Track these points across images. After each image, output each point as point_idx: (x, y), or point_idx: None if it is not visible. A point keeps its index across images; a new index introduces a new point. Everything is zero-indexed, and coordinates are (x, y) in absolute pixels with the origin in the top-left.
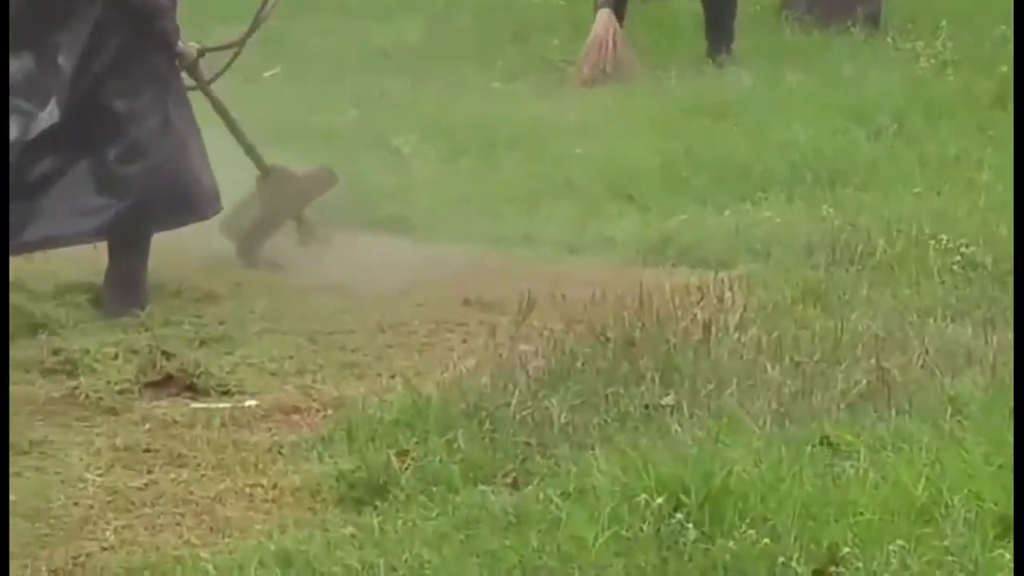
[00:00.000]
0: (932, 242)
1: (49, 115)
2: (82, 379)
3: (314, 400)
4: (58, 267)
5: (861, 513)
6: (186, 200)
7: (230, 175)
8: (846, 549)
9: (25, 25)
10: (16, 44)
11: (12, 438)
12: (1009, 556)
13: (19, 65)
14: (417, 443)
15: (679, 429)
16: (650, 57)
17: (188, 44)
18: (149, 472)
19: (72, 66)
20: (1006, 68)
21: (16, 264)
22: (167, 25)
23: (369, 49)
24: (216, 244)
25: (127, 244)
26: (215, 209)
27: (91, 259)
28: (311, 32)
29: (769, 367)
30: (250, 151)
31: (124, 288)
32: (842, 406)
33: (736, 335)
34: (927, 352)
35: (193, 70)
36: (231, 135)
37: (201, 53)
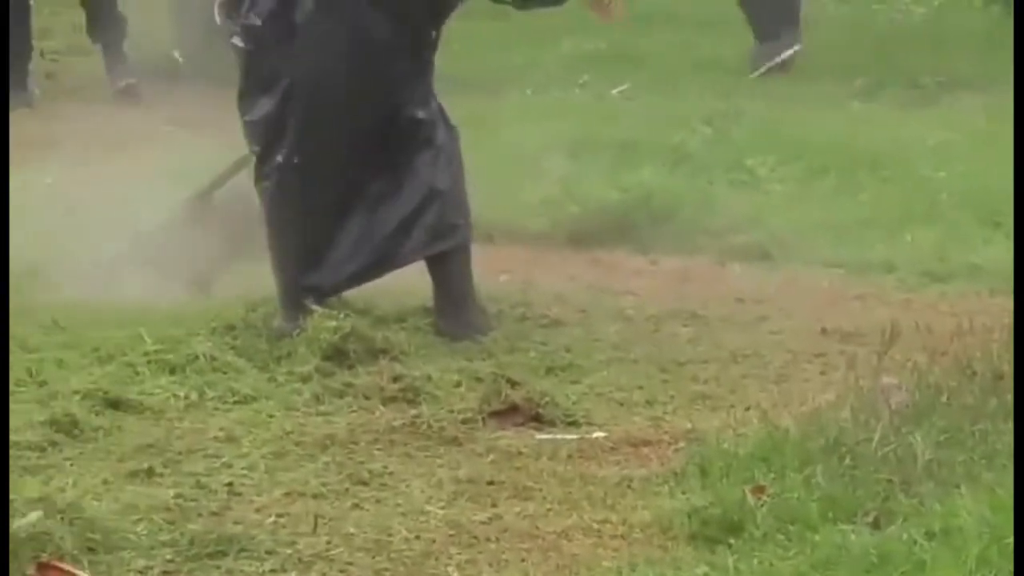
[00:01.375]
0: None
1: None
2: (424, 407)
3: (665, 432)
4: (398, 293)
5: None
6: (461, 222)
7: None
8: None
9: None
10: None
11: (351, 468)
12: None
13: None
14: (774, 479)
15: None
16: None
17: None
18: (493, 505)
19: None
20: None
21: (355, 290)
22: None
23: (722, 65)
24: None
25: (444, 268)
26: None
27: (422, 281)
28: (664, 46)
29: None
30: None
31: (453, 313)
32: None
33: None
34: None
35: None
36: None
37: None
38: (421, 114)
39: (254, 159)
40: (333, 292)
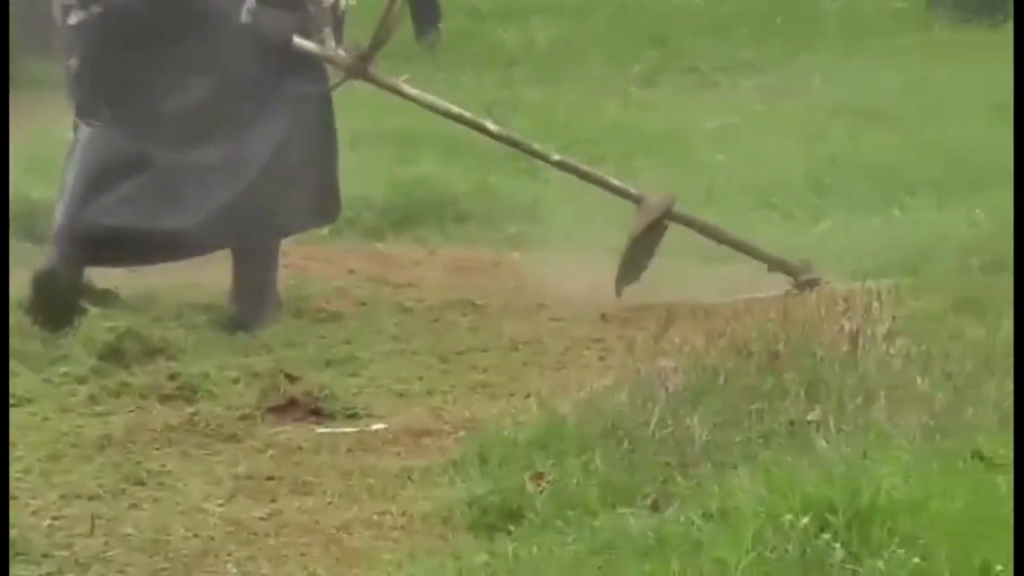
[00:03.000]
0: None
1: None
2: (201, 405)
3: (445, 422)
4: (175, 289)
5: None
6: (301, 207)
7: None
8: (1000, 567)
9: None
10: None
11: (128, 468)
12: None
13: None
14: (553, 465)
15: (825, 445)
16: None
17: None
18: (272, 501)
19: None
20: None
21: (132, 286)
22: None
23: (501, 53)
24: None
25: (251, 255)
26: (334, 217)
27: (208, 278)
28: (443, 35)
29: (919, 379)
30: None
31: (251, 302)
32: (996, 419)
33: (884, 346)
34: None
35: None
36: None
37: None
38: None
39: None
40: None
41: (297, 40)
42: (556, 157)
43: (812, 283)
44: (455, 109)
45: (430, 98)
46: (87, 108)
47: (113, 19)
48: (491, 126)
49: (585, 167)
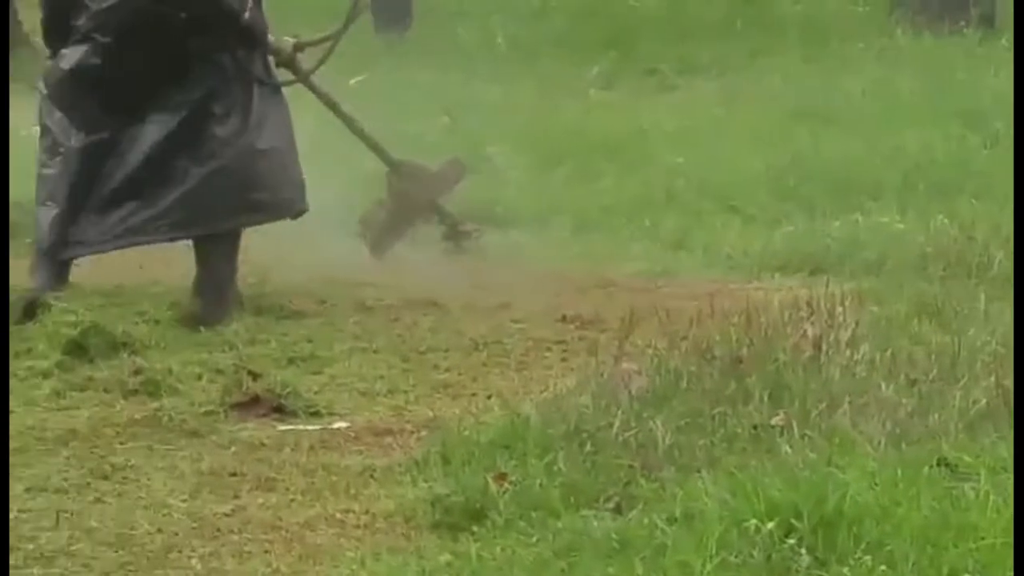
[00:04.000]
0: None
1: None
2: (165, 400)
3: (407, 421)
4: (139, 284)
5: (982, 537)
6: (261, 199)
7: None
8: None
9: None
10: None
11: (93, 463)
12: None
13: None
14: (515, 466)
15: (790, 450)
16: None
17: (283, 39)
18: (236, 497)
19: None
20: None
21: (96, 282)
22: (252, 20)
23: (459, 53)
24: (300, 259)
25: (213, 250)
26: (295, 210)
27: (173, 275)
28: (400, 36)
29: (883, 385)
30: (374, 147)
31: (213, 297)
32: (960, 426)
33: (848, 352)
34: None
35: (291, 65)
36: (349, 130)
37: (298, 48)
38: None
39: None
40: (84, 252)
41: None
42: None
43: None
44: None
45: (334, 99)
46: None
47: None
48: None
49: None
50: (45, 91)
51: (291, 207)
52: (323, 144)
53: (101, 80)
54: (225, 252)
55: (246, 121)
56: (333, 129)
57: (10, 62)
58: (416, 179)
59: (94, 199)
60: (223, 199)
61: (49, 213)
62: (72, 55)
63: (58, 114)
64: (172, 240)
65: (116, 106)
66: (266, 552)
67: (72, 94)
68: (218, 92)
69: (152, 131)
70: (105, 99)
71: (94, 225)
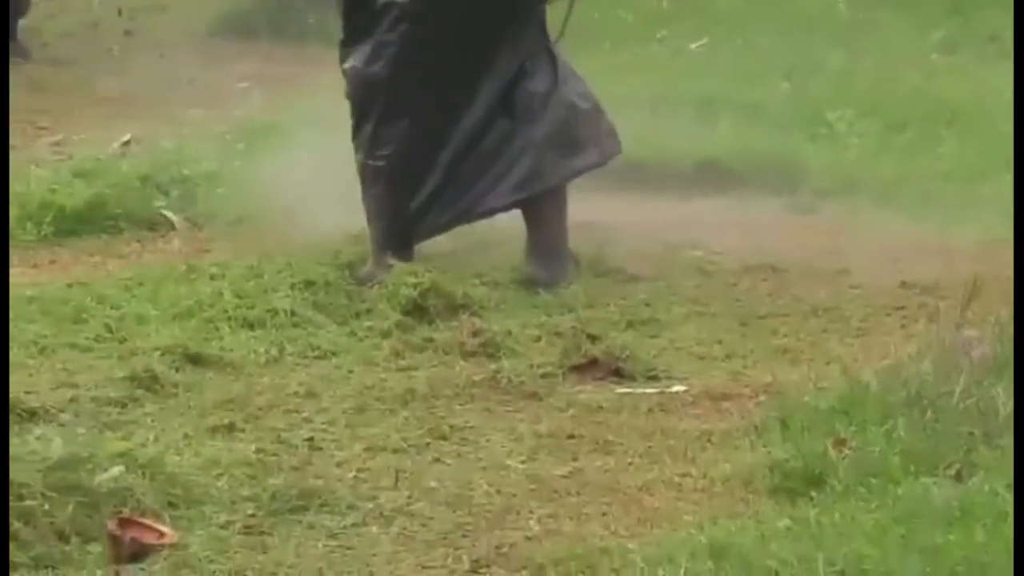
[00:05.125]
0: None
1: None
2: (504, 362)
3: (745, 386)
4: (477, 246)
5: None
6: (584, 148)
7: None
8: None
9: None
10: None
11: (431, 423)
12: None
13: None
14: (855, 432)
15: None
16: None
17: None
18: (573, 459)
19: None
20: None
21: (433, 245)
22: None
23: (799, 19)
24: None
25: (544, 210)
26: (613, 155)
27: (515, 238)
28: (738, 1)
29: None
30: None
31: (548, 258)
32: None
33: None
34: None
35: None
36: None
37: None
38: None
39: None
40: (426, 237)
41: None
42: None
43: None
44: None
45: None
46: None
47: None
48: None
49: None
50: (357, 99)
51: (611, 152)
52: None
53: (418, 68)
54: (555, 210)
55: (555, 74)
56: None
57: None
58: None
59: (426, 190)
60: (552, 154)
61: (382, 224)
62: (379, 53)
63: (370, 125)
64: (512, 207)
65: (434, 91)
66: (603, 515)
67: (389, 93)
68: (526, 50)
69: (471, 103)
70: (423, 87)
71: (433, 214)
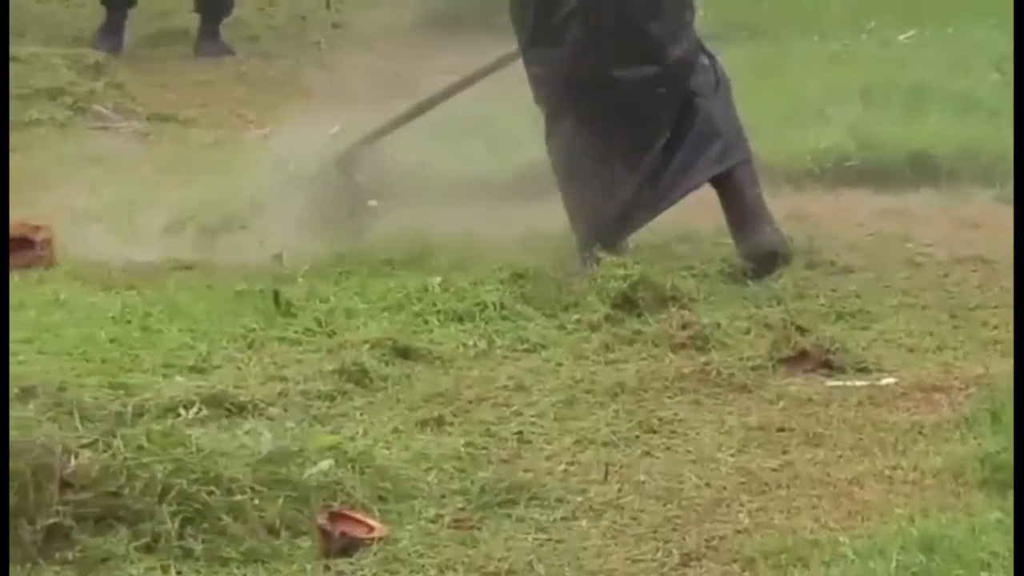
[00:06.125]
0: None
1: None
2: (713, 354)
3: (955, 378)
4: (686, 237)
5: None
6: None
7: None
8: None
9: None
10: None
11: (641, 416)
12: None
13: None
14: None
15: None
16: None
17: None
18: (784, 452)
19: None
20: None
21: (641, 237)
22: None
23: (1009, 8)
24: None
25: (736, 179)
26: None
27: (723, 232)
28: None
29: None
30: None
31: (753, 227)
32: None
33: None
34: None
35: None
36: None
37: None
38: (693, 55)
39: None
40: (635, 228)
41: None
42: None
43: None
44: None
45: None
46: None
47: None
48: None
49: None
50: (550, 101)
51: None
52: None
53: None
54: (749, 175)
55: (712, 77)
56: None
57: None
58: None
59: (631, 181)
60: (734, 127)
61: (587, 219)
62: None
63: (567, 123)
64: (712, 177)
65: (622, 86)
66: (814, 508)
67: (582, 91)
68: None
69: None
70: (612, 83)
71: (640, 203)
